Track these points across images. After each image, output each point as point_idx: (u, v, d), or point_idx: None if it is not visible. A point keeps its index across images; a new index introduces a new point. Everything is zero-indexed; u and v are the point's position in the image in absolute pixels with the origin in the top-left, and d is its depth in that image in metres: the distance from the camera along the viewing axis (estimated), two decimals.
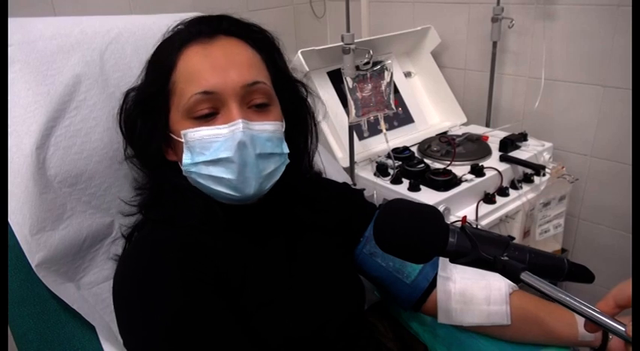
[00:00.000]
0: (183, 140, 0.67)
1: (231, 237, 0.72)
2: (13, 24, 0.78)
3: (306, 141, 0.81)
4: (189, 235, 0.68)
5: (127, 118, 0.73)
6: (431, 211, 0.59)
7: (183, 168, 0.69)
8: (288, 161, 0.72)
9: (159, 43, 0.73)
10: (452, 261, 0.57)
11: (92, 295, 0.77)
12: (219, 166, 0.66)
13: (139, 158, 0.74)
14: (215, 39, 0.69)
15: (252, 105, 0.68)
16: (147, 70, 0.73)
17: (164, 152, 0.72)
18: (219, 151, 0.65)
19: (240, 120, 0.64)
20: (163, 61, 0.70)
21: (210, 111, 0.66)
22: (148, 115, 0.71)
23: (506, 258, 0.54)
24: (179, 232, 0.68)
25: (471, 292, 0.80)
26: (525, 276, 0.53)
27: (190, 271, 0.63)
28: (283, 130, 0.71)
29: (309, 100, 0.81)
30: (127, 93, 0.74)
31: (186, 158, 0.67)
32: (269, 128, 0.68)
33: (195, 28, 0.70)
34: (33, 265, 0.71)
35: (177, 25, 0.73)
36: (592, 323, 0.50)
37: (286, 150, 0.71)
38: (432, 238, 0.56)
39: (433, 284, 0.81)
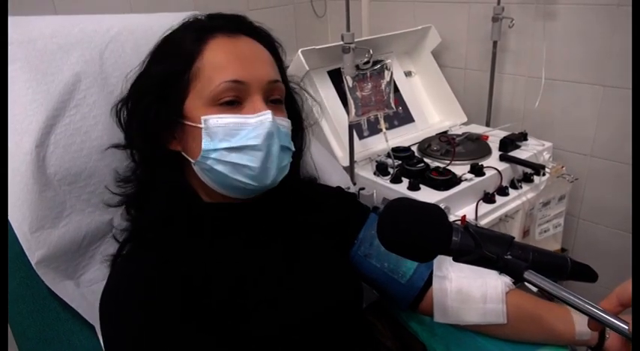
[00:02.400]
0: (202, 126, 0.67)
1: (221, 238, 0.72)
2: (14, 23, 0.78)
3: (300, 139, 0.83)
4: (169, 255, 0.67)
5: (136, 104, 0.71)
6: (434, 209, 0.59)
7: (201, 153, 0.67)
8: (291, 160, 0.74)
9: (171, 32, 0.73)
10: (455, 259, 0.57)
11: (91, 292, 0.78)
12: (244, 154, 0.67)
13: (140, 147, 0.72)
14: (238, 36, 0.71)
15: (271, 101, 0.71)
16: (156, 57, 0.73)
17: (168, 142, 0.71)
18: (247, 138, 0.67)
19: (269, 111, 0.67)
20: (185, 47, 0.70)
21: (234, 99, 0.68)
22: (162, 100, 0.69)
23: (509, 257, 0.55)
24: (159, 260, 0.67)
25: (467, 290, 0.80)
26: (529, 275, 0.53)
27: (155, 305, 0.62)
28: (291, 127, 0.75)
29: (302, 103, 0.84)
30: (136, 80, 0.73)
31: (206, 143, 0.67)
32: (286, 124, 0.72)
33: (218, 22, 0.73)
34: (33, 263, 0.72)
35: (196, 15, 0.74)
36: (595, 322, 0.50)
37: (292, 147, 0.74)
38: (436, 237, 0.56)
39: (429, 283, 0.82)
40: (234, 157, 0.67)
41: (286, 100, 0.77)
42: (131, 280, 0.65)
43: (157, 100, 0.69)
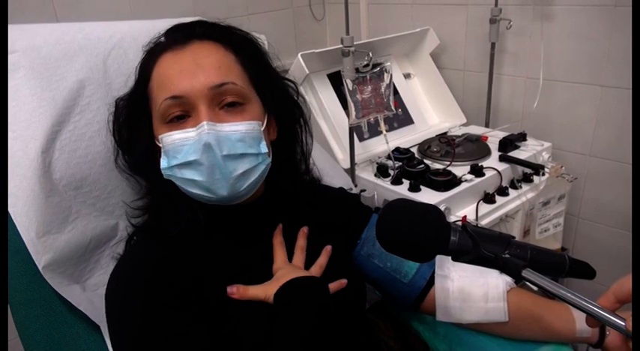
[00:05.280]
0: (161, 144, 0.69)
1: (219, 240, 0.74)
2: (18, 30, 0.79)
3: (300, 143, 0.82)
4: (169, 249, 0.70)
5: (118, 126, 0.76)
6: (432, 210, 0.60)
7: (162, 172, 0.70)
8: (268, 160, 0.72)
9: (142, 53, 0.76)
10: (454, 259, 0.58)
11: (97, 296, 0.78)
12: (191, 169, 0.67)
13: (129, 164, 0.77)
14: (188, 45, 0.71)
15: (224, 105, 0.69)
16: (134, 80, 0.76)
17: (157, 159, 0.72)
18: (188, 153, 0.66)
19: (204, 122, 0.65)
20: (143, 70, 0.73)
21: (180, 114, 0.68)
22: (134, 123, 0.74)
23: (507, 255, 0.55)
24: (158, 249, 0.70)
25: (469, 289, 0.81)
26: (527, 273, 0.54)
27: (156, 295, 0.64)
28: (262, 129, 0.71)
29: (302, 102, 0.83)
30: (117, 102, 0.77)
31: (163, 162, 0.69)
32: (241, 128, 0.68)
33: (170, 37, 0.73)
34: (40, 268, 0.73)
35: (160, 35, 0.75)
36: (593, 318, 0.51)
37: (264, 149, 0.70)
38: (434, 237, 0.57)
39: (431, 283, 0.82)
40: (184, 173, 0.68)
41: (267, 98, 0.75)
42: (129, 279, 0.67)
43: (129, 124, 0.75)
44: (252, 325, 0.67)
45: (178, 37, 0.72)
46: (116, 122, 0.76)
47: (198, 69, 0.68)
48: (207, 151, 0.65)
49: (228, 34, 0.75)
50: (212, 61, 0.69)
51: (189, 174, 0.67)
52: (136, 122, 0.74)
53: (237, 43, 0.74)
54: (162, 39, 0.75)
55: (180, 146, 0.67)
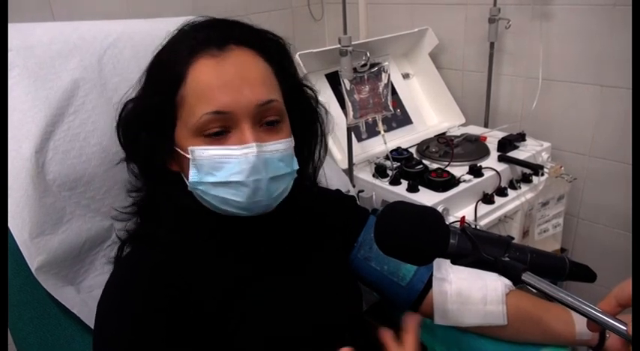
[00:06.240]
0: (190, 156, 0.64)
1: (223, 249, 0.72)
2: (12, 29, 0.78)
3: (315, 154, 0.79)
4: (169, 259, 0.68)
5: (127, 130, 0.70)
6: (431, 212, 0.59)
7: (189, 184, 0.66)
8: (296, 176, 0.70)
9: (161, 49, 0.69)
10: (453, 262, 0.57)
11: (92, 298, 0.77)
12: (230, 189, 0.64)
13: (141, 169, 0.73)
14: (226, 50, 0.64)
15: (264, 123, 0.65)
16: (148, 79, 0.69)
17: (166, 162, 0.70)
18: (231, 173, 0.63)
19: (254, 143, 0.62)
20: (170, 71, 0.65)
21: (221, 129, 0.63)
22: (152, 128, 0.67)
23: (507, 259, 0.55)
24: (153, 258, 0.68)
25: (468, 292, 0.80)
26: (526, 276, 0.53)
27: (148, 312, 0.63)
28: (293, 145, 0.69)
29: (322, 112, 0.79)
30: (126, 104, 0.71)
31: (193, 176, 0.65)
32: (281, 147, 0.66)
33: (203, 34, 0.66)
34: (33, 269, 0.72)
35: (183, 26, 0.69)
36: (594, 323, 0.51)
37: (296, 166, 0.69)
38: (433, 240, 0.56)
39: (429, 285, 0.82)
40: (220, 192, 0.64)
41: (296, 112, 0.71)
42: (125, 289, 0.66)
43: (145, 128, 0.68)
44: (250, 338, 0.66)
45: (214, 37, 0.65)
46: (127, 125, 0.70)
47: (243, 83, 0.63)
48: (254, 174, 0.63)
49: (264, 41, 0.69)
50: (257, 75, 0.65)
51: (227, 193, 0.64)
52: (157, 127, 0.67)
53: (273, 52, 0.69)
54: (192, 34, 0.67)
55: (219, 163, 0.63)
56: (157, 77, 0.68)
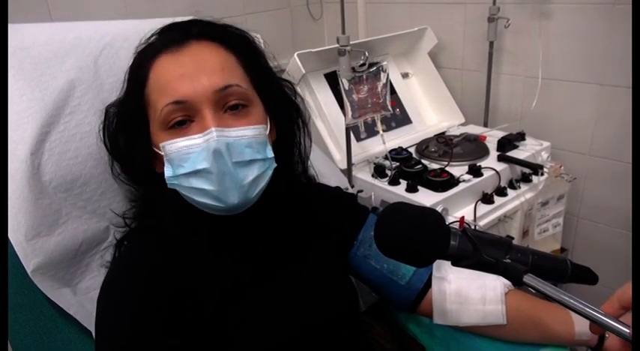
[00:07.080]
0: (163, 153, 0.66)
1: (219, 249, 0.72)
2: (8, 30, 0.78)
3: (298, 144, 0.80)
4: (167, 260, 0.68)
5: (110, 134, 0.73)
6: (432, 214, 0.58)
7: (167, 182, 0.67)
8: (274, 165, 0.70)
9: (134, 56, 0.71)
10: (454, 264, 0.57)
11: (88, 300, 0.77)
12: (199, 178, 0.64)
13: (126, 173, 0.75)
14: (185, 45, 0.67)
15: (228, 108, 0.66)
16: (124, 84, 0.72)
17: (153, 165, 0.71)
18: (197, 162, 0.63)
19: (213, 128, 0.62)
20: (137, 73, 0.69)
21: (183, 118, 0.64)
22: (129, 130, 0.70)
23: (508, 260, 0.54)
24: (153, 252, 0.69)
25: (466, 292, 0.80)
26: (528, 278, 0.53)
27: (146, 311, 0.63)
28: (267, 133, 0.69)
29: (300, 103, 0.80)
30: (107, 109, 0.73)
31: (167, 171, 0.66)
32: (248, 133, 0.65)
33: (165, 36, 0.69)
34: (29, 271, 0.72)
35: (151, 35, 0.72)
36: (597, 325, 0.50)
37: (270, 154, 0.68)
38: (434, 242, 0.56)
39: (428, 285, 0.81)
40: (192, 182, 0.64)
41: (269, 100, 0.72)
42: (123, 288, 0.66)
43: (123, 131, 0.71)
44: (248, 340, 0.66)
45: (174, 37, 0.68)
46: (108, 130, 0.73)
47: (200, 71, 0.64)
48: (217, 159, 0.62)
49: (226, 34, 0.71)
50: (214, 62, 0.66)
51: (198, 183, 0.64)
52: (132, 129, 0.70)
53: (236, 43, 0.71)
54: (156, 39, 0.71)
55: (186, 154, 0.63)
56: (129, 81, 0.71)
